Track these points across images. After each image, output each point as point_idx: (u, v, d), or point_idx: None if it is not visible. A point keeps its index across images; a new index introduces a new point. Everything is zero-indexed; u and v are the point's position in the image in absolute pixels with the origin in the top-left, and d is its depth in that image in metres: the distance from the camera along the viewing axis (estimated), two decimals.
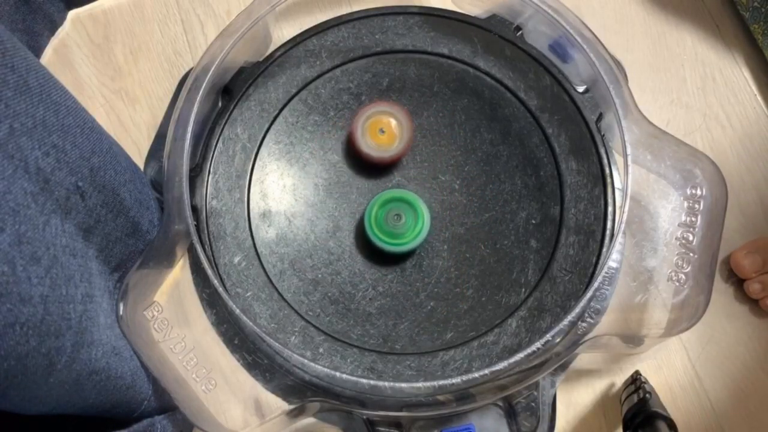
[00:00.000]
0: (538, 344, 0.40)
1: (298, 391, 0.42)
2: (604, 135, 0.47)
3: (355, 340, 0.44)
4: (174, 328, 0.42)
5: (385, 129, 0.46)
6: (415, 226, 0.44)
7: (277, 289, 0.45)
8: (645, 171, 0.45)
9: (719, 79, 0.55)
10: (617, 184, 0.47)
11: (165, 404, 0.43)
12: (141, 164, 0.50)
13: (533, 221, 0.47)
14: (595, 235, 0.45)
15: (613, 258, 0.42)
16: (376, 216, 0.45)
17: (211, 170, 0.47)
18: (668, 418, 0.40)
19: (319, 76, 0.49)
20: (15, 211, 0.29)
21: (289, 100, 0.49)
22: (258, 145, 0.48)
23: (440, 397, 0.42)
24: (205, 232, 0.46)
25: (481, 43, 0.50)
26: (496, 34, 0.50)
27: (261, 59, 0.50)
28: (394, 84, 0.50)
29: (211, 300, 0.45)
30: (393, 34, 0.50)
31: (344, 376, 0.39)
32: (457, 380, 0.39)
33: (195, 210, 0.46)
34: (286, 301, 0.45)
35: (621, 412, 0.44)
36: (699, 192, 0.44)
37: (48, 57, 0.54)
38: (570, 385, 0.48)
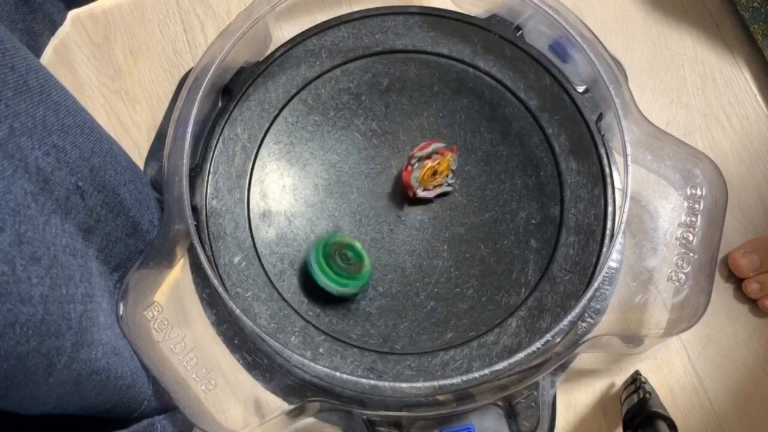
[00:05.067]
0: (538, 344, 0.40)
1: (298, 391, 0.42)
2: (604, 135, 0.47)
3: (355, 340, 0.44)
4: (174, 328, 0.42)
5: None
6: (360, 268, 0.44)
7: (277, 289, 0.45)
8: (645, 171, 0.45)
9: (719, 79, 0.54)
10: (617, 184, 0.47)
11: (165, 404, 0.43)
12: (141, 164, 0.50)
13: (533, 221, 0.47)
14: (595, 235, 0.45)
15: (613, 258, 0.42)
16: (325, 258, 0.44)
17: (211, 170, 0.47)
18: (668, 418, 0.40)
19: (319, 76, 0.49)
20: (15, 211, 0.29)
21: (289, 100, 0.49)
22: (258, 145, 0.48)
23: (440, 397, 0.42)
24: (205, 232, 0.46)
25: (481, 43, 0.50)
26: (496, 34, 0.50)
27: (261, 59, 0.50)
28: (394, 84, 0.50)
29: (211, 300, 0.45)
30: (393, 34, 0.50)
31: (344, 376, 0.39)
32: (457, 380, 0.39)
33: (195, 210, 0.46)
34: (286, 301, 0.45)
35: (621, 412, 0.44)
36: (699, 192, 0.44)
37: (48, 57, 0.54)
38: (570, 385, 0.48)
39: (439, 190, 0.46)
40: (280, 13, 0.55)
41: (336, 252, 0.43)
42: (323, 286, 0.43)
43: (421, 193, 0.46)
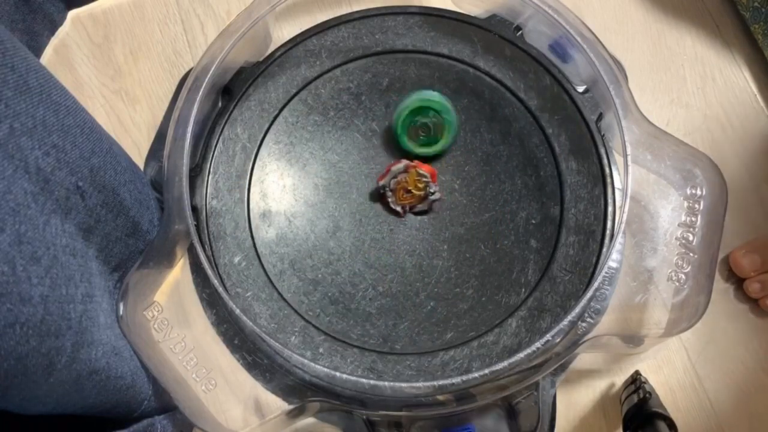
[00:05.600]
0: (538, 344, 0.40)
1: (298, 391, 0.42)
2: (604, 135, 0.47)
3: (355, 340, 0.44)
4: (174, 328, 0.42)
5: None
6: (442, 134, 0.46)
7: (277, 289, 0.45)
8: (645, 171, 0.45)
9: (719, 79, 0.54)
10: (617, 184, 0.47)
11: (165, 404, 0.43)
12: (141, 164, 0.50)
13: (533, 221, 0.47)
14: (595, 235, 0.45)
15: (613, 258, 0.42)
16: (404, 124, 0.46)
17: (211, 170, 0.47)
18: (668, 418, 0.40)
19: (319, 76, 0.49)
20: (15, 211, 0.29)
21: (289, 100, 0.49)
22: (258, 145, 0.48)
23: (440, 397, 0.42)
24: (205, 232, 0.46)
25: (481, 43, 0.50)
26: (496, 34, 0.50)
27: (261, 59, 0.50)
28: (394, 84, 0.50)
29: (211, 300, 0.45)
30: (393, 34, 0.50)
31: (344, 376, 0.39)
32: (457, 380, 0.39)
33: (195, 210, 0.46)
34: (286, 301, 0.45)
35: (621, 412, 0.44)
36: (699, 192, 0.44)
37: (48, 57, 0.54)
38: (570, 385, 0.48)
39: (428, 201, 0.46)
40: (280, 13, 0.55)
41: (417, 120, 0.46)
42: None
43: (410, 211, 0.47)
